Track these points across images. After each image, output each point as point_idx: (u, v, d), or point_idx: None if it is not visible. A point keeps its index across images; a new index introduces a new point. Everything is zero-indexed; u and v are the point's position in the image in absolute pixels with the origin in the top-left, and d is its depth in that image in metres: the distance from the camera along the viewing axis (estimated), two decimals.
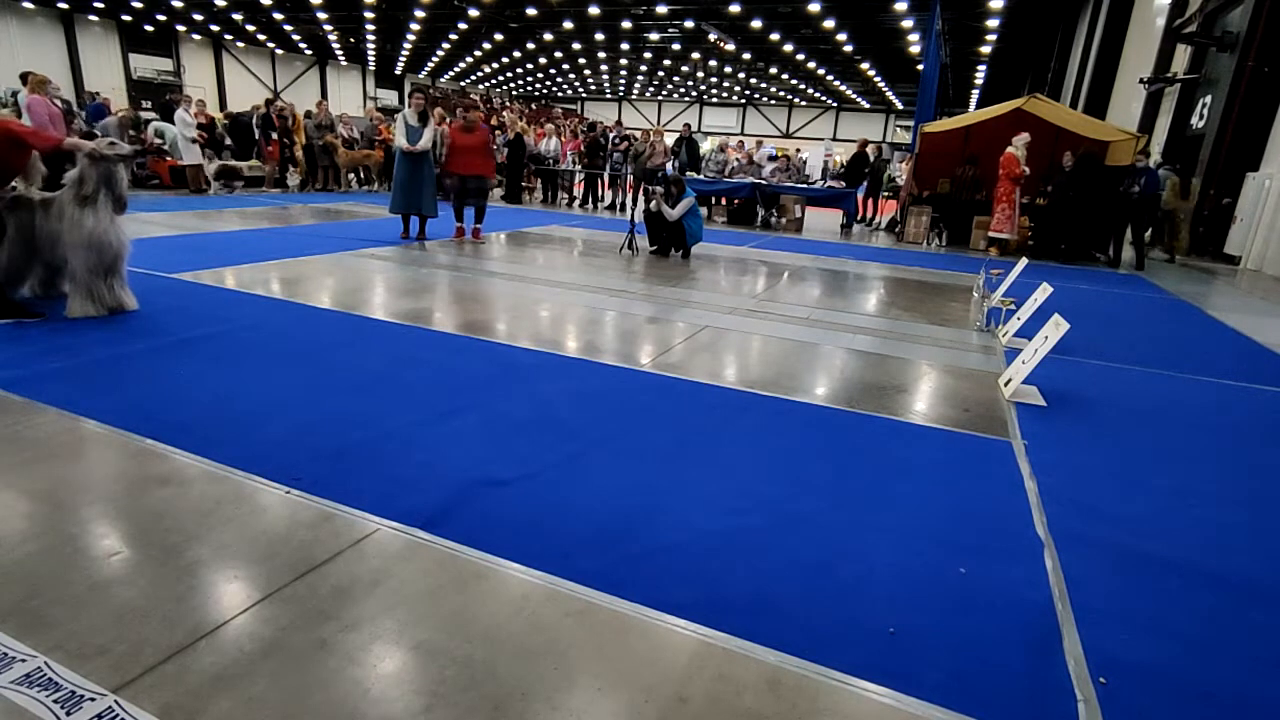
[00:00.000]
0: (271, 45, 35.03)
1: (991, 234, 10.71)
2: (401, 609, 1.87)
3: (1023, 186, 10.45)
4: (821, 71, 33.89)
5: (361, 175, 15.26)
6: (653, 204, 8.71)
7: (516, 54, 35.29)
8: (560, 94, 52.09)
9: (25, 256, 4.30)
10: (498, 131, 15.33)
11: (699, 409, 3.54)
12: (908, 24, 22.19)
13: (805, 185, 13.77)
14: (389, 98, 40.86)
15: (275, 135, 13.47)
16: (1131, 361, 4.98)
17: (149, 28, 29.93)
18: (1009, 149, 10.20)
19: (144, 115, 15.89)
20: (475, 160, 8.47)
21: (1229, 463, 3.33)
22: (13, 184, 4.28)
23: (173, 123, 12.20)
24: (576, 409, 3.39)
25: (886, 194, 15.21)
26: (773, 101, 47.21)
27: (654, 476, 2.75)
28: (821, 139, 40.15)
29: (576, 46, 32.56)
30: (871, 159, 14.04)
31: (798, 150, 15.83)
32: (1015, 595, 2.11)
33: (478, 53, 35.11)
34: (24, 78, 8.93)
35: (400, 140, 8.13)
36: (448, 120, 14.46)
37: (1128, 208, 10.02)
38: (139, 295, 4.64)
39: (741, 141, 15.96)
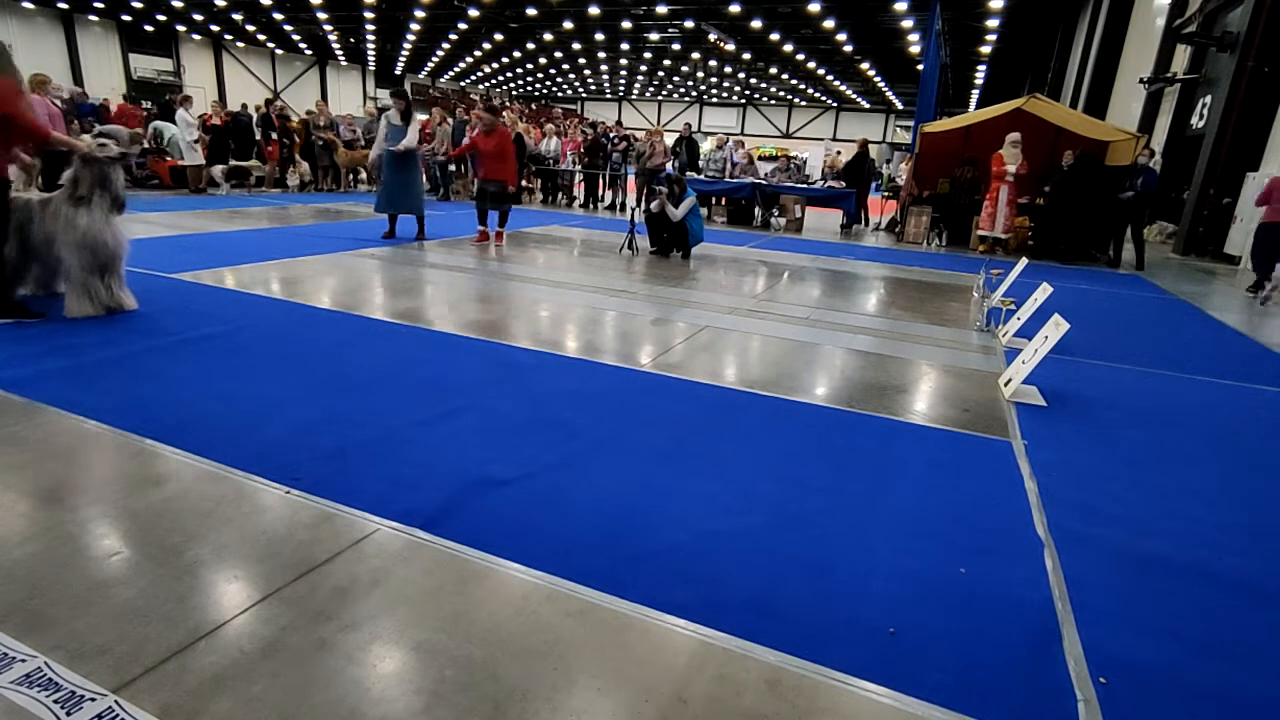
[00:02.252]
0: (271, 45, 35.04)
1: (979, 233, 10.74)
2: (401, 609, 1.87)
3: (1021, 186, 10.46)
4: (821, 71, 33.91)
5: (363, 175, 15.25)
6: (654, 204, 8.71)
7: (516, 54, 35.31)
8: (560, 94, 52.10)
9: (21, 256, 4.30)
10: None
11: (699, 409, 3.54)
12: (908, 24, 22.20)
13: (805, 185, 13.76)
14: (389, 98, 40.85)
15: (275, 135, 13.47)
16: (1131, 361, 4.98)
17: (149, 28, 29.94)
18: (1000, 150, 10.25)
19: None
20: (494, 164, 8.38)
21: (1229, 462, 3.33)
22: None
23: (173, 123, 12.20)
24: (576, 409, 3.39)
25: (886, 194, 15.17)
26: (773, 101, 47.22)
27: (654, 476, 2.75)
28: (821, 139, 40.13)
29: (576, 46, 32.57)
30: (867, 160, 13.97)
31: (838, 153, 15.64)
32: (1015, 595, 2.11)
33: (478, 53, 35.13)
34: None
35: (380, 140, 8.12)
36: (447, 120, 14.54)
37: (1127, 206, 10.03)
38: (139, 295, 4.64)
39: (741, 141, 15.93)
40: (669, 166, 13.12)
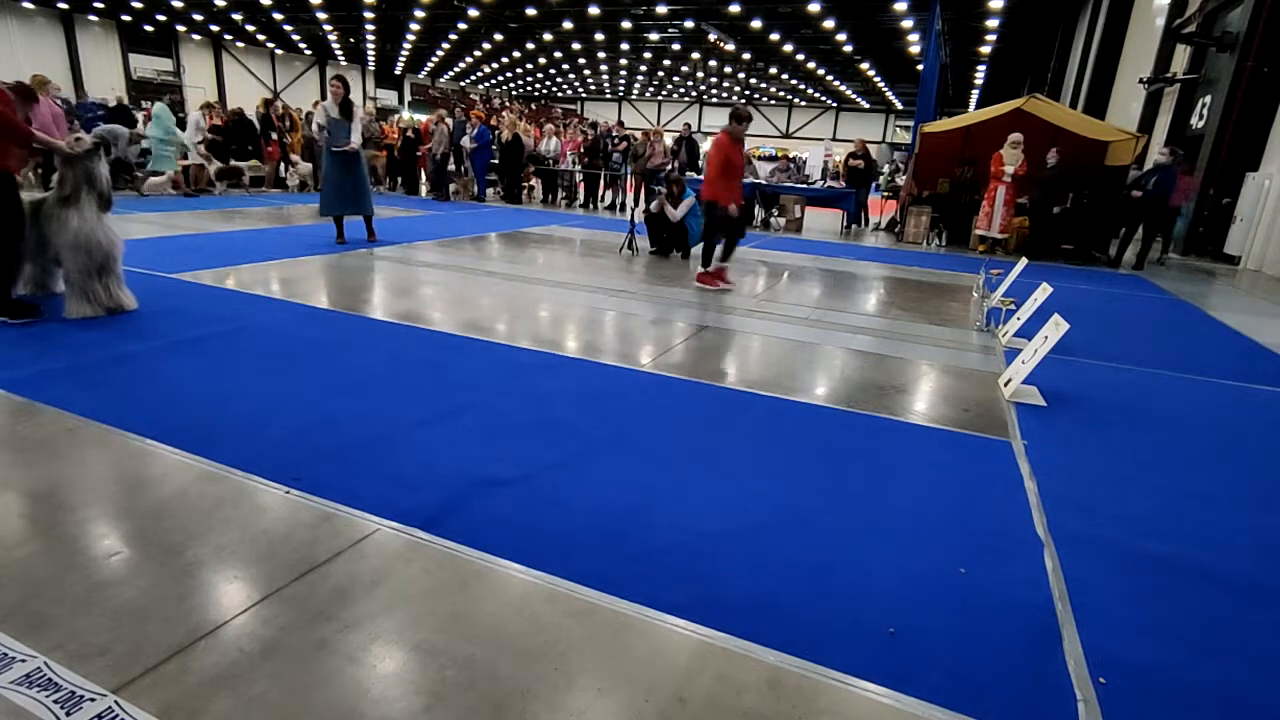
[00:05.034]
0: (271, 45, 35.03)
1: (976, 233, 10.76)
2: (401, 609, 1.87)
3: (1020, 186, 10.45)
4: (821, 71, 33.91)
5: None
6: (653, 205, 8.70)
7: (516, 54, 35.31)
8: (560, 94, 52.09)
9: (15, 257, 4.30)
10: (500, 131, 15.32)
11: (699, 409, 3.54)
12: (908, 24, 22.20)
13: (805, 185, 13.76)
14: (389, 97, 40.87)
15: (275, 135, 13.47)
16: (1131, 361, 4.98)
17: (149, 28, 29.93)
18: (1001, 149, 10.25)
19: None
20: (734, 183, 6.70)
21: (1229, 463, 3.33)
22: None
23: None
24: (576, 409, 3.39)
25: (886, 194, 15.16)
26: (773, 101, 47.23)
27: (654, 476, 2.75)
28: (821, 139, 40.10)
29: (576, 46, 32.57)
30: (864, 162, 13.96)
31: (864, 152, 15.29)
32: (1015, 595, 2.11)
33: (478, 53, 35.13)
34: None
35: (314, 131, 7.38)
36: (446, 120, 14.53)
37: (1138, 206, 10.02)
38: (138, 295, 4.64)
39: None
40: (670, 166, 13.11)
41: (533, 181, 16.00)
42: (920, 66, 19.05)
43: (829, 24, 23.17)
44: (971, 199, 11.49)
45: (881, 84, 35.89)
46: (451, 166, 14.64)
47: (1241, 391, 4.51)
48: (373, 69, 40.13)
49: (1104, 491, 2.87)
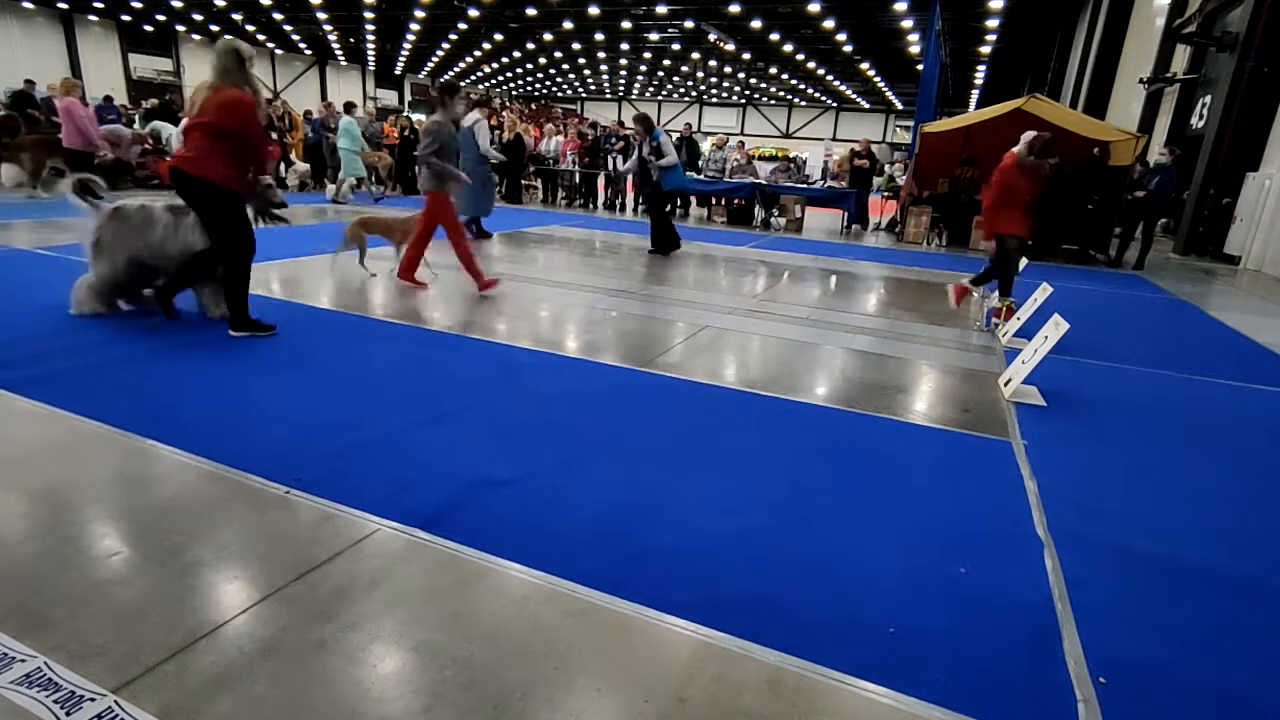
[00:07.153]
0: (271, 45, 35.03)
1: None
2: (401, 609, 1.87)
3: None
4: (821, 71, 33.91)
5: (371, 178, 15.17)
6: (626, 166, 8.99)
7: (516, 54, 35.31)
8: (560, 94, 52.09)
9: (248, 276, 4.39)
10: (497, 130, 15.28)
11: (699, 409, 3.54)
12: (908, 24, 22.20)
13: (805, 185, 13.76)
14: (389, 98, 40.87)
15: (275, 135, 13.47)
16: (1131, 361, 4.98)
17: (149, 28, 29.94)
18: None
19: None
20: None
21: (1229, 463, 3.33)
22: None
23: (172, 123, 12.23)
24: (576, 409, 3.39)
25: (886, 194, 15.17)
26: (773, 101, 47.21)
27: (654, 476, 2.74)
28: (821, 139, 40.08)
29: (576, 46, 32.57)
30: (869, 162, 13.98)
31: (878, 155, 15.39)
32: (1015, 595, 2.11)
33: (478, 53, 35.13)
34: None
35: (486, 146, 8.60)
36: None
37: (1138, 206, 10.00)
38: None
39: (742, 142, 15.93)
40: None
41: (533, 181, 15.99)
42: (920, 66, 19.04)
43: (829, 24, 23.17)
44: (972, 199, 11.48)
45: (881, 84, 35.89)
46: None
47: (1241, 391, 4.51)
48: (373, 69, 40.12)
49: (1104, 491, 2.87)
